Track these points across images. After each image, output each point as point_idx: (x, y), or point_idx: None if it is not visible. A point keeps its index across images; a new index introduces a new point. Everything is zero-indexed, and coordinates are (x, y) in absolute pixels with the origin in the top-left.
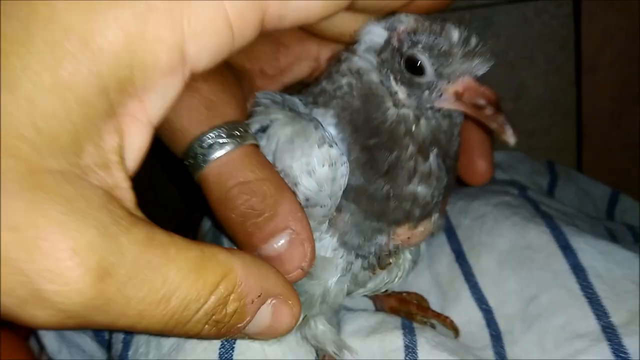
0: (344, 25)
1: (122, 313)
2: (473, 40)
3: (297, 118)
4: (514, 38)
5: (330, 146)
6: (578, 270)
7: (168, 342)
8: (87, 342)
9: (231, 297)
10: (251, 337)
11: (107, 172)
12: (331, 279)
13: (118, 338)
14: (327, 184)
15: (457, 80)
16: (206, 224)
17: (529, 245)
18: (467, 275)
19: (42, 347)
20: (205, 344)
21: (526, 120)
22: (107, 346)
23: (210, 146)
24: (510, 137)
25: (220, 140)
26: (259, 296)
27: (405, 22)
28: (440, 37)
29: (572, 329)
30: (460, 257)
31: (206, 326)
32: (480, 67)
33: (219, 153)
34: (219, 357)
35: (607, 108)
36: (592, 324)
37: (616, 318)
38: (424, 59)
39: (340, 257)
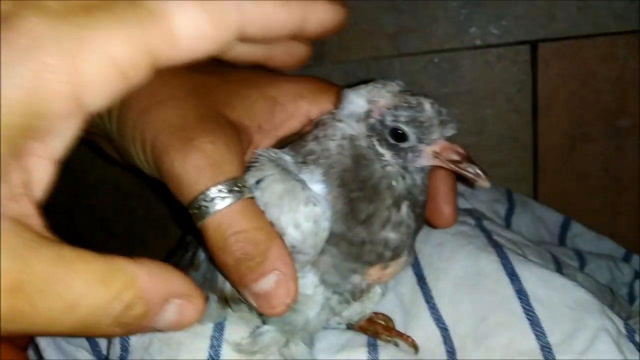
0: (246, 52)
1: (33, 322)
2: (443, 110)
3: (288, 177)
4: (478, 80)
5: (315, 205)
6: (522, 295)
7: (160, 357)
8: (85, 355)
9: (136, 302)
10: (160, 330)
11: (16, 203)
12: (312, 312)
13: (115, 353)
14: (311, 237)
15: (433, 142)
16: (201, 255)
17: (480, 272)
18: (427, 297)
19: (40, 358)
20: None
21: (487, 153)
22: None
23: (213, 200)
24: (483, 182)
25: (222, 195)
26: (164, 299)
27: (386, 98)
28: (418, 110)
29: (515, 346)
30: (421, 281)
31: (115, 328)
32: (451, 130)
33: (220, 206)
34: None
35: (560, 144)
36: (532, 343)
37: (552, 338)
38: (407, 130)
39: (320, 294)
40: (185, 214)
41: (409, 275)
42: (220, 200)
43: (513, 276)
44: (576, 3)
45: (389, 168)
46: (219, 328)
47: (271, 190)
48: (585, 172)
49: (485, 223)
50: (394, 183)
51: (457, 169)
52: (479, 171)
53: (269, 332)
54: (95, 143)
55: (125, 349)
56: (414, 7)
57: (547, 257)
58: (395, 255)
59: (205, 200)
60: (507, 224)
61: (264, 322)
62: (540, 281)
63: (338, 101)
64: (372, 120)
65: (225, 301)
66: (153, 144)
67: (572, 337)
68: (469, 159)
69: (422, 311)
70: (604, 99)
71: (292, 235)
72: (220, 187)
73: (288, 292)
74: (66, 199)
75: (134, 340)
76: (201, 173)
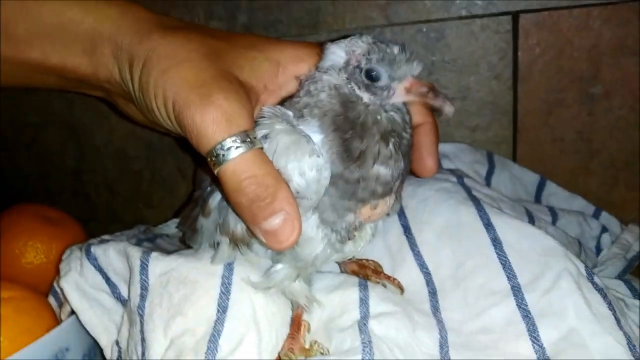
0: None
1: None
2: (409, 51)
3: (293, 130)
4: (462, 49)
5: (318, 156)
6: (496, 242)
7: (178, 294)
8: (106, 298)
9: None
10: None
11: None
12: (318, 248)
13: (136, 292)
14: (314, 183)
15: (403, 79)
16: (212, 203)
17: (460, 223)
18: (412, 246)
19: (60, 303)
20: (207, 296)
21: (470, 117)
22: (123, 301)
23: (229, 149)
24: (448, 108)
25: (236, 145)
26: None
27: (361, 47)
28: (387, 51)
29: (488, 287)
30: (407, 231)
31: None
32: (417, 68)
33: (234, 154)
34: (217, 306)
35: (538, 109)
36: (504, 283)
37: (521, 279)
38: (378, 69)
39: (322, 232)
40: (204, 162)
41: (396, 227)
42: (234, 149)
43: (489, 226)
44: None
45: (370, 107)
46: (229, 269)
47: (279, 142)
48: (560, 135)
49: (466, 181)
50: (378, 117)
51: (425, 99)
52: (443, 99)
53: (283, 269)
54: (114, 103)
55: (145, 287)
56: None
57: (521, 211)
58: (385, 191)
59: (222, 149)
60: (487, 183)
61: (277, 262)
62: (512, 230)
63: (322, 54)
64: (350, 68)
65: (235, 243)
66: (174, 100)
67: (538, 278)
68: (435, 91)
69: (408, 258)
70: (578, 67)
71: (297, 182)
72: (234, 138)
73: (293, 229)
74: (73, 162)
75: (153, 280)
76: (218, 125)
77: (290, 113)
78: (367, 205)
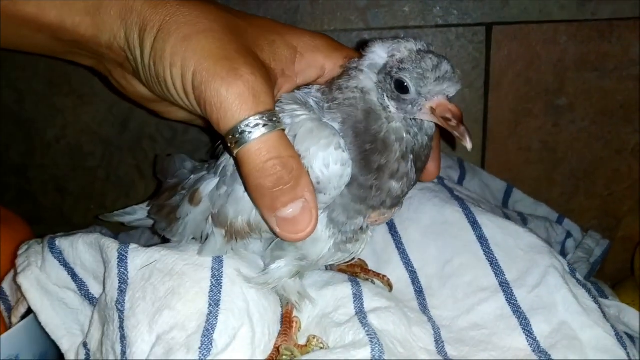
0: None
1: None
2: (444, 67)
3: (318, 119)
4: None
5: (343, 151)
6: (482, 240)
7: (163, 287)
8: (70, 296)
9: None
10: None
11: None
12: (325, 247)
13: (113, 286)
14: (336, 178)
15: (432, 98)
16: (206, 189)
17: (445, 221)
18: (397, 244)
19: (9, 307)
20: (197, 288)
21: None
22: (91, 298)
23: (256, 126)
24: (468, 144)
25: (262, 123)
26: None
27: (401, 52)
28: (420, 65)
29: (477, 284)
30: (392, 230)
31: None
32: (450, 89)
33: (259, 133)
34: (209, 299)
35: (507, 119)
36: (492, 280)
37: (509, 275)
38: (408, 81)
39: (330, 232)
40: (222, 140)
41: (381, 226)
42: (261, 127)
43: (474, 224)
44: None
45: (393, 124)
46: (218, 261)
47: (302, 126)
48: (526, 144)
49: (447, 182)
50: (404, 135)
51: (447, 126)
52: (465, 132)
53: (285, 267)
54: (106, 74)
55: (124, 281)
56: None
57: (499, 213)
58: (394, 203)
59: (248, 126)
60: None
61: (278, 258)
62: (498, 228)
63: (365, 50)
64: (384, 73)
65: (232, 236)
66: (196, 70)
67: (526, 274)
68: (460, 120)
69: (393, 256)
70: (545, 79)
71: (320, 172)
72: (260, 115)
73: (310, 219)
74: (19, 157)
75: (133, 273)
76: (245, 101)
77: (312, 101)
78: (377, 211)
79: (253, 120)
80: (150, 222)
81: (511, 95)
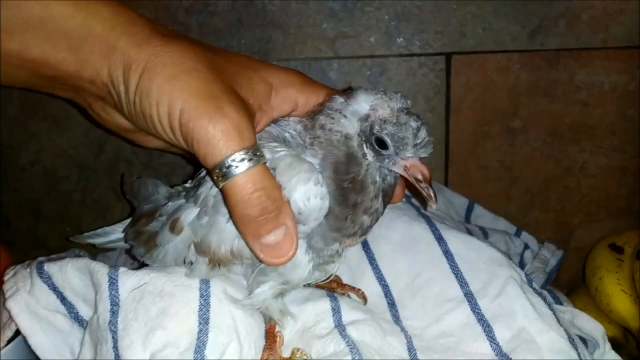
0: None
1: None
2: (422, 134)
3: (300, 157)
4: (402, 83)
5: (322, 186)
6: (448, 255)
7: (155, 307)
8: (60, 320)
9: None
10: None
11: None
12: (305, 271)
13: (105, 308)
14: (315, 211)
15: (407, 158)
16: (187, 218)
17: (413, 237)
18: (370, 259)
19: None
20: (186, 308)
21: None
22: (81, 321)
23: (242, 161)
24: (433, 204)
25: (247, 157)
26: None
27: (384, 110)
28: (401, 130)
29: (444, 295)
30: (365, 246)
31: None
32: (423, 153)
33: (244, 167)
34: (198, 317)
35: (467, 140)
36: (457, 291)
37: (473, 286)
38: (387, 141)
39: (309, 256)
40: (207, 172)
41: None
42: (247, 161)
43: (440, 240)
44: (481, 24)
45: (371, 170)
46: (205, 281)
47: (281, 161)
48: (485, 163)
49: (413, 200)
50: (377, 179)
51: (417, 185)
52: (432, 194)
53: (270, 289)
54: (85, 106)
55: (115, 303)
56: (351, 16)
57: (462, 228)
58: (363, 233)
59: (234, 161)
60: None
61: (262, 283)
62: (461, 243)
63: (349, 96)
64: (365, 124)
65: (214, 263)
66: (182, 109)
67: (488, 285)
68: (428, 182)
69: (367, 271)
70: (500, 104)
71: (302, 204)
72: (244, 151)
73: (292, 244)
74: None
75: (124, 295)
76: (230, 138)
77: (289, 137)
78: (350, 238)
79: (238, 156)
80: (122, 243)
81: (470, 118)
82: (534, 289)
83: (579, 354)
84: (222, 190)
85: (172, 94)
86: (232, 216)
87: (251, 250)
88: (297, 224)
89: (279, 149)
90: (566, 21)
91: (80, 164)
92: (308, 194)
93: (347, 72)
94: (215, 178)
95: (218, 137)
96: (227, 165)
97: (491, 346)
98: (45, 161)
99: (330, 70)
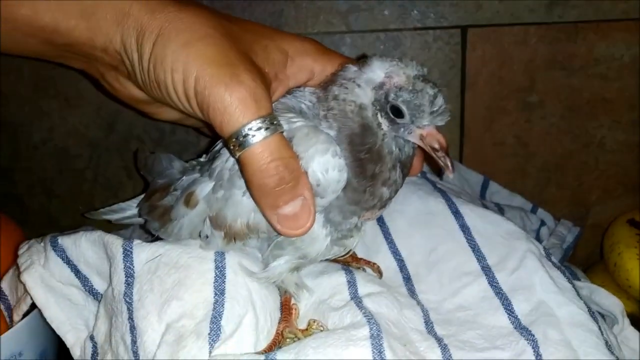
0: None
1: None
2: (439, 101)
3: (317, 128)
4: (417, 57)
5: (340, 158)
6: (464, 229)
7: (170, 279)
8: (74, 293)
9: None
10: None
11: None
12: (323, 245)
13: (120, 280)
14: (334, 183)
15: (423, 126)
16: (202, 191)
17: (429, 212)
18: (385, 234)
19: (8, 305)
20: (202, 279)
21: None
22: (95, 293)
23: (259, 129)
24: (450, 173)
25: (264, 126)
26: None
27: (399, 77)
28: (417, 97)
29: (460, 269)
30: (380, 221)
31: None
32: (440, 121)
33: (261, 136)
34: (214, 288)
35: (482, 115)
36: (474, 265)
37: (490, 260)
38: (403, 109)
39: (326, 230)
40: (223, 142)
41: None
42: (263, 130)
43: (457, 214)
44: None
45: (386, 139)
46: (220, 254)
47: (298, 131)
48: (501, 139)
49: (429, 175)
50: (394, 149)
51: (434, 154)
52: (449, 163)
53: (286, 263)
54: (96, 76)
55: (130, 274)
56: None
57: (478, 203)
58: (382, 206)
59: (251, 130)
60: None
61: (279, 256)
62: (478, 217)
63: (363, 64)
64: (380, 92)
65: (230, 237)
66: (198, 76)
67: (506, 259)
68: (445, 150)
69: (381, 246)
70: (517, 78)
71: (320, 175)
72: (261, 119)
73: (309, 216)
74: (5, 161)
75: (139, 267)
76: (247, 106)
77: (305, 108)
78: (369, 211)
79: (255, 124)
80: (138, 219)
81: (486, 93)
82: (553, 262)
83: (599, 327)
84: (238, 160)
85: (187, 61)
86: (248, 186)
87: (268, 221)
88: (316, 197)
89: (295, 120)
90: None
91: (92, 142)
92: (326, 165)
93: (360, 46)
94: (231, 147)
95: (234, 105)
96: (243, 134)
97: (509, 319)
98: (57, 140)
99: (343, 45)
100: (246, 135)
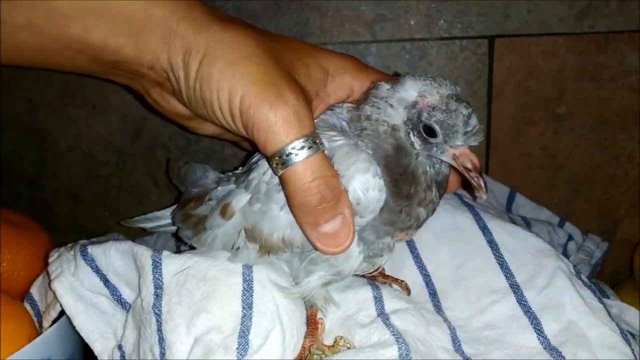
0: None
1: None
2: (473, 121)
3: (358, 147)
4: (443, 67)
5: (380, 178)
6: (492, 245)
7: (199, 292)
8: (103, 302)
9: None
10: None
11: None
12: (356, 262)
13: (149, 291)
14: (373, 203)
15: (456, 146)
16: (238, 203)
17: (456, 226)
18: (412, 249)
19: (37, 311)
20: (230, 292)
21: None
22: (124, 303)
23: (302, 148)
24: (482, 194)
25: (307, 145)
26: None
27: (433, 96)
28: (451, 117)
29: (488, 286)
30: None
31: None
32: (473, 142)
33: (304, 155)
34: (242, 302)
35: (508, 126)
36: (502, 282)
37: (519, 278)
38: (437, 129)
39: (360, 248)
40: (268, 162)
41: None
42: (306, 149)
43: (485, 229)
44: (527, 6)
45: (420, 159)
46: (248, 267)
47: (341, 150)
48: (527, 151)
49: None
50: (428, 168)
51: (467, 175)
52: (482, 183)
53: (320, 279)
54: (141, 91)
55: (159, 286)
56: None
57: (506, 218)
58: (419, 226)
59: (294, 149)
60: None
61: (312, 272)
62: (506, 233)
63: (395, 83)
64: (413, 112)
65: (265, 250)
66: (244, 95)
67: (535, 277)
68: (478, 171)
69: (407, 260)
70: (545, 89)
71: (361, 194)
72: (304, 139)
73: (349, 234)
74: (32, 167)
75: (167, 278)
76: (291, 125)
77: (345, 126)
78: (404, 232)
79: (298, 143)
80: (171, 228)
81: (513, 104)
82: (583, 281)
83: (632, 350)
84: (281, 178)
85: (232, 80)
86: (290, 204)
87: (308, 238)
88: (355, 216)
89: (336, 138)
90: (617, 1)
91: (118, 149)
92: (367, 184)
93: (385, 56)
94: (274, 166)
95: (279, 124)
96: (287, 152)
97: (539, 339)
98: (84, 147)
99: (369, 55)
100: (289, 154)
